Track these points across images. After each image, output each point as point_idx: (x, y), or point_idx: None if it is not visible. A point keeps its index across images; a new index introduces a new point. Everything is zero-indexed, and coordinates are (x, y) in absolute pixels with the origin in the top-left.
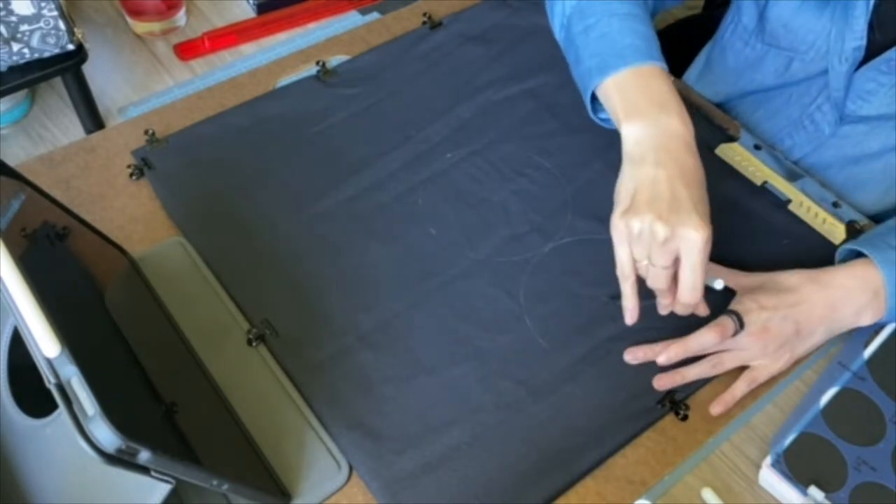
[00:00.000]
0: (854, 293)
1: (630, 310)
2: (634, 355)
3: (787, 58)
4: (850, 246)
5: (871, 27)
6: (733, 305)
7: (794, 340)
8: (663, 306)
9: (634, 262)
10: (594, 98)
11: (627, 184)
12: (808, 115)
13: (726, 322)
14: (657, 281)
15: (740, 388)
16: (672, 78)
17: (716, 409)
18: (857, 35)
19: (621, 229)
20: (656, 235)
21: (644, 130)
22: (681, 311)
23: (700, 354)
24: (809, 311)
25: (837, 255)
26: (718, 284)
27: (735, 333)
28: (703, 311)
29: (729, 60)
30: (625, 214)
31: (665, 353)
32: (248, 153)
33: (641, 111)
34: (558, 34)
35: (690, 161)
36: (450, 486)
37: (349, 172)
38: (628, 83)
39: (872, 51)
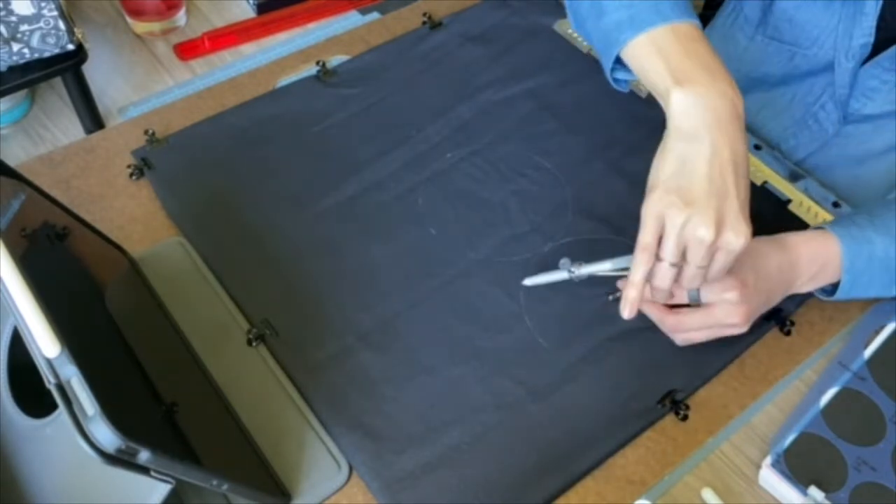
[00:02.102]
0: (810, 258)
1: (632, 301)
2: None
3: (789, 52)
4: (818, 225)
5: (880, 23)
6: (714, 285)
7: (761, 308)
8: (633, 301)
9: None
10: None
11: (673, 162)
12: (812, 114)
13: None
14: (663, 279)
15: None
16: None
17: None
18: (865, 31)
19: (658, 211)
20: (701, 238)
21: (696, 100)
22: (660, 297)
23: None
24: (780, 279)
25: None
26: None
27: (692, 302)
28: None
29: (730, 52)
30: (669, 202)
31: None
32: (248, 153)
33: (691, 77)
34: None
35: (742, 143)
36: (450, 486)
37: (349, 172)
38: (668, 42)
39: (877, 48)
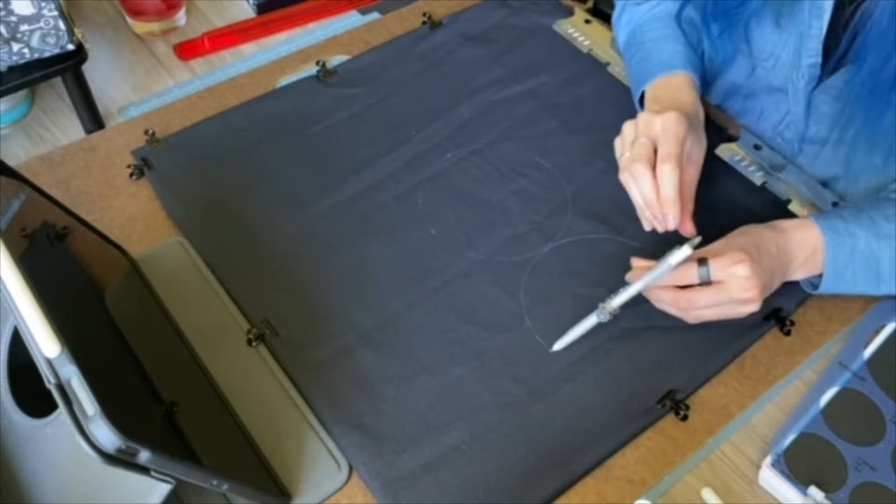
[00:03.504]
0: (801, 242)
1: (648, 218)
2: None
3: (750, 64)
4: (803, 216)
5: (828, 45)
6: (721, 260)
7: (766, 292)
8: (648, 218)
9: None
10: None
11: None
12: (779, 132)
13: (688, 268)
14: (640, 155)
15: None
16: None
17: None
18: (812, 52)
19: (617, 137)
20: (639, 120)
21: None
22: (668, 219)
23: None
24: (780, 261)
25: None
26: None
27: (702, 283)
28: (690, 229)
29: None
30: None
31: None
32: (248, 153)
33: (660, 100)
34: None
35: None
36: (450, 486)
37: (349, 172)
38: (655, 88)
39: (832, 71)
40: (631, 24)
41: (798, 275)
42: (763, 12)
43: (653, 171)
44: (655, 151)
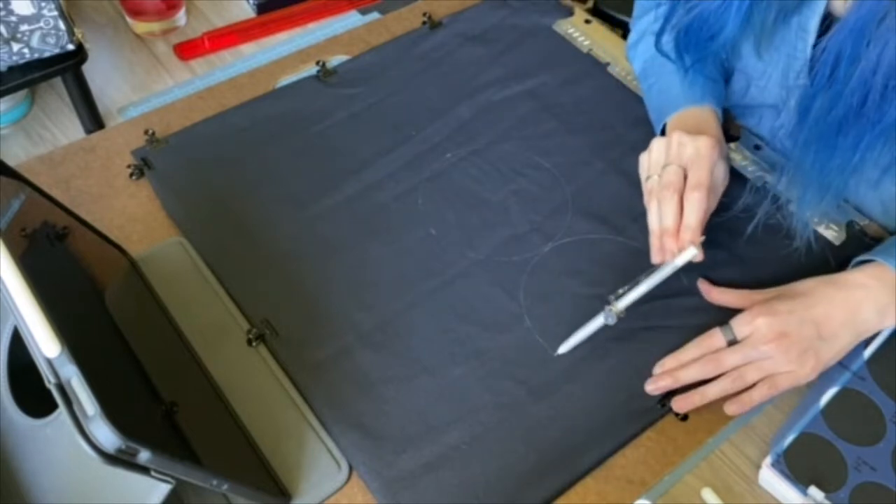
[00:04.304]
0: (874, 292)
1: (657, 249)
2: (656, 385)
3: (745, 80)
4: (864, 257)
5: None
6: (742, 316)
7: (817, 344)
8: (659, 247)
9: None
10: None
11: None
12: (779, 138)
13: (713, 333)
14: (669, 182)
15: (760, 392)
16: (717, 111)
17: (731, 408)
18: (799, 74)
19: (644, 154)
20: (671, 140)
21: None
22: (682, 239)
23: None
24: (828, 311)
25: (850, 267)
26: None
27: (730, 343)
28: (699, 255)
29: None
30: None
31: (659, 365)
32: (248, 153)
33: (686, 128)
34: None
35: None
36: (450, 486)
37: (349, 172)
38: (679, 118)
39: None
40: (649, 51)
41: (890, 319)
42: (741, 43)
43: (679, 198)
44: (684, 176)
